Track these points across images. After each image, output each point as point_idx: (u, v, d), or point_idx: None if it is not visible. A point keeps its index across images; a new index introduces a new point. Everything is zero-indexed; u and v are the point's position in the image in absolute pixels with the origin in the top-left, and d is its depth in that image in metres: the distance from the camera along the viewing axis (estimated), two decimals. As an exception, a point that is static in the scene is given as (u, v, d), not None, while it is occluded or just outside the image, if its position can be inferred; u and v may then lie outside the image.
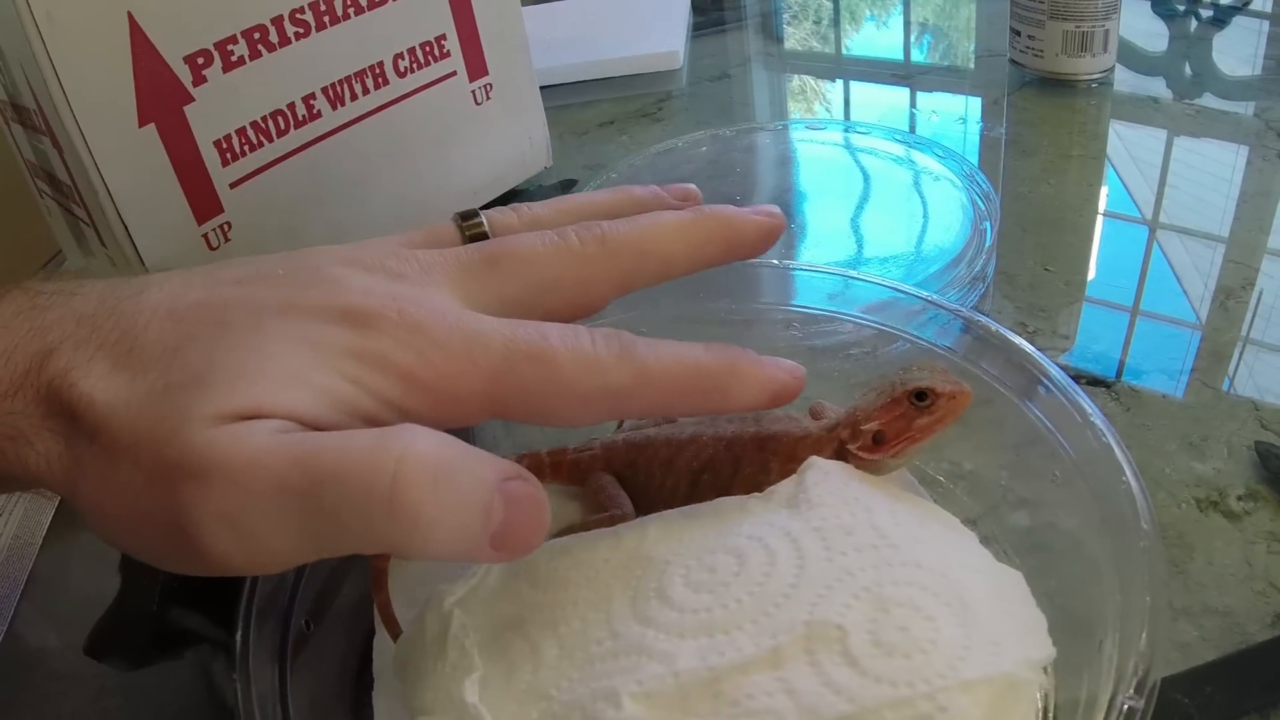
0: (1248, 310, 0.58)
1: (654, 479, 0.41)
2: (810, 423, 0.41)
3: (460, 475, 0.28)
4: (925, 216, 0.67)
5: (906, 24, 1.07)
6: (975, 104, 0.86)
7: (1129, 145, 0.77)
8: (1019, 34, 0.85)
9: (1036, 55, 0.84)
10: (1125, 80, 0.86)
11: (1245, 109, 0.80)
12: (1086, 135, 0.79)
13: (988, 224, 0.61)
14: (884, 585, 0.30)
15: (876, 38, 1.06)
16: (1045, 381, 0.41)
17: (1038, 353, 0.42)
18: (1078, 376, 0.54)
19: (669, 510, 0.37)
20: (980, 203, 0.63)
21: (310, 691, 0.38)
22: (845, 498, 0.34)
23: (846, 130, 0.77)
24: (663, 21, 1.01)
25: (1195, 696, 0.38)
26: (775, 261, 0.53)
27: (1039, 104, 0.83)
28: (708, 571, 0.32)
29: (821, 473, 0.36)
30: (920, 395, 0.38)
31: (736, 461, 0.40)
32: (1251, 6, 0.96)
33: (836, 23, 1.08)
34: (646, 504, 0.40)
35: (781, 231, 0.42)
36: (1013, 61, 0.87)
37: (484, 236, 0.40)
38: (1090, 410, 0.39)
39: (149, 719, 0.33)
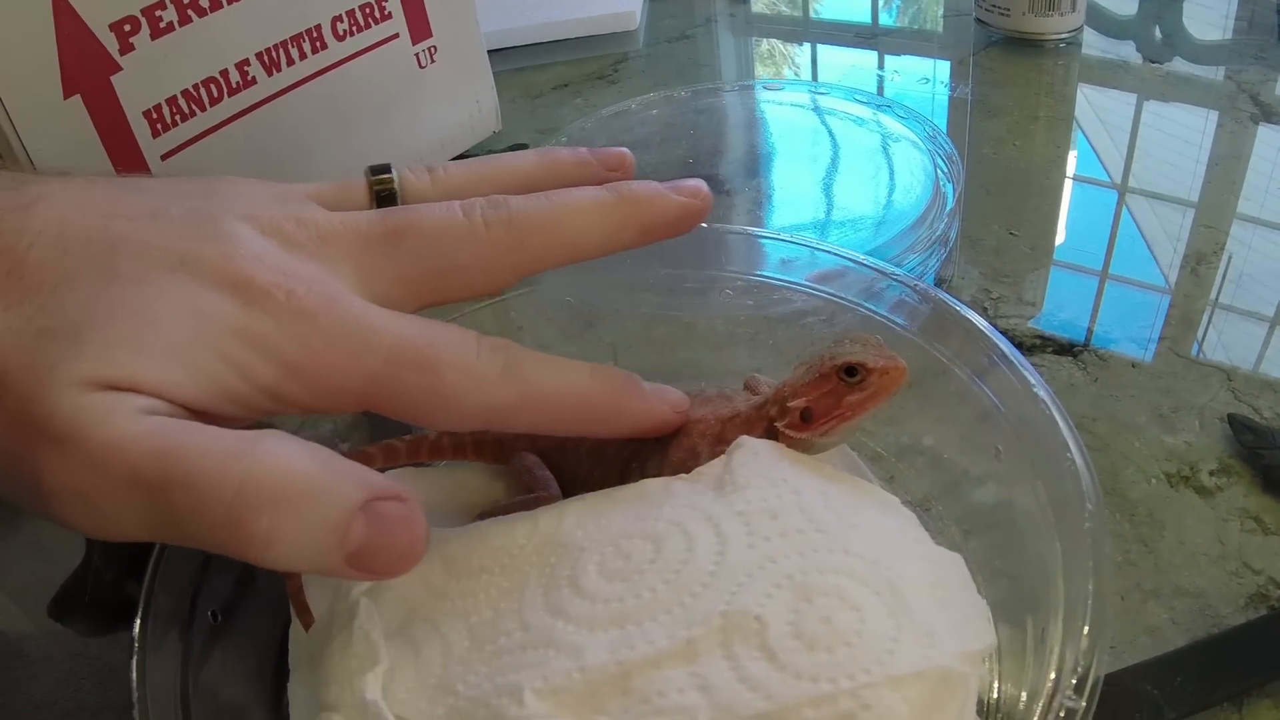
0: (1217, 275, 0.56)
1: (582, 466, 0.40)
2: (740, 401, 0.39)
3: (308, 496, 0.28)
4: (889, 179, 0.65)
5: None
6: (943, 66, 0.84)
7: (1098, 109, 0.75)
8: (986, -9, 0.83)
9: (1003, 14, 0.82)
10: (1094, 43, 0.84)
11: (1215, 73, 0.79)
12: (1054, 97, 0.77)
13: (949, 186, 0.58)
14: (808, 573, 0.28)
15: (845, 1, 1.04)
16: (994, 355, 0.39)
17: (989, 326, 0.40)
18: (1044, 344, 0.52)
19: (591, 493, 0.35)
20: (943, 165, 0.61)
21: (223, 684, 0.36)
22: (773, 479, 0.32)
23: (808, 91, 0.75)
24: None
25: (1164, 686, 0.36)
26: (731, 227, 0.51)
27: (1005, 64, 0.81)
28: (623, 558, 0.30)
29: (750, 453, 0.34)
30: (850, 370, 0.35)
31: (664, 448, 0.38)
32: None
33: None
34: (574, 492, 0.38)
35: (707, 211, 0.40)
36: (979, 21, 0.85)
37: (392, 196, 0.38)
38: (1035, 384, 0.37)
39: (120, 700, 0.32)
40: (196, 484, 0.27)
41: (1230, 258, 0.57)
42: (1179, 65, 0.80)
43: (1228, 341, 0.51)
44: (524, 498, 0.39)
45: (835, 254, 0.45)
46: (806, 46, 0.93)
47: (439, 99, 0.69)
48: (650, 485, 0.34)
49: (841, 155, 0.68)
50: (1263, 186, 0.63)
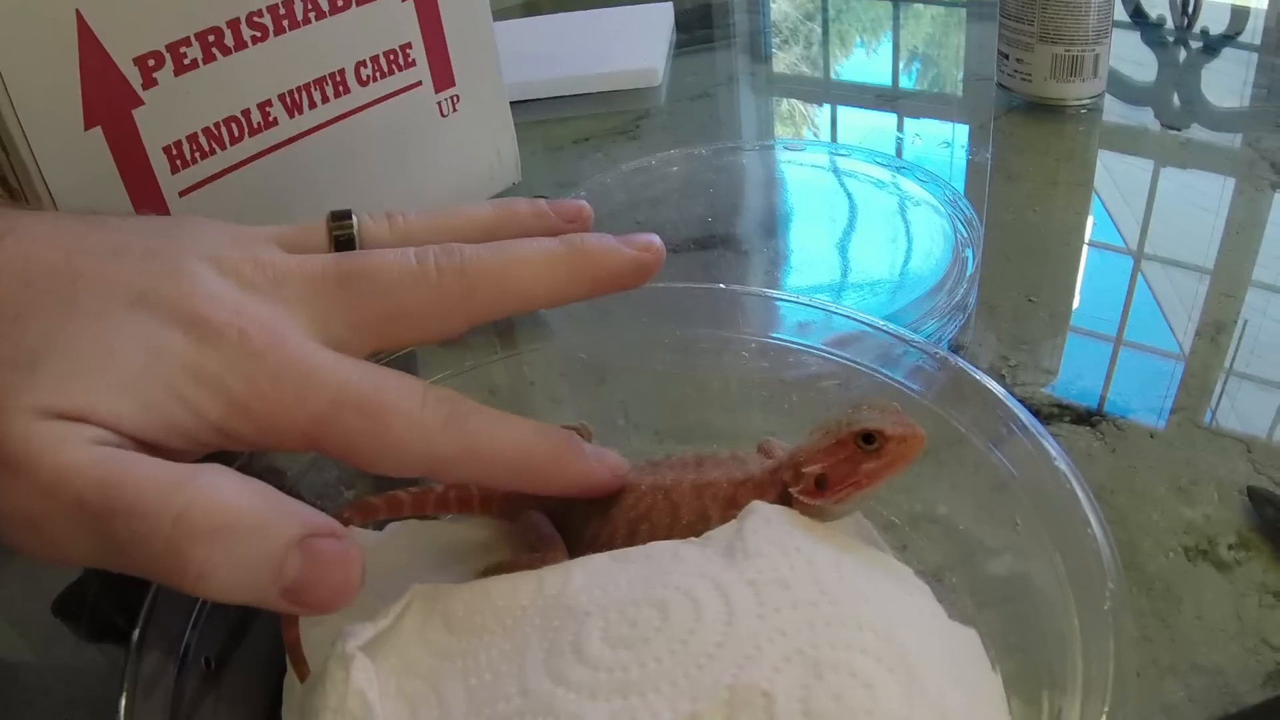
0: (1235, 344, 0.55)
1: (589, 526, 0.39)
2: (754, 465, 0.38)
3: (244, 530, 0.28)
4: (907, 242, 0.64)
5: (895, 50, 1.05)
6: (962, 130, 0.84)
7: (1115, 175, 0.74)
8: (1007, 57, 0.83)
9: (1025, 79, 0.82)
10: (1113, 109, 0.84)
11: (1233, 140, 0.78)
12: (1075, 162, 0.77)
13: (969, 251, 0.58)
14: (819, 647, 0.27)
15: (865, 64, 1.04)
16: (1012, 424, 0.38)
17: (1008, 394, 0.39)
18: (1062, 413, 0.51)
19: (598, 554, 0.35)
20: (963, 229, 0.61)
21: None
22: (785, 547, 0.31)
23: (828, 152, 0.75)
24: (644, 37, 0.99)
25: (1181, 764, 0.35)
26: (748, 289, 0.51)
27: (1026, 129, 0.81)
28: (628, 625, 0.30)
29: (762, 519, 0.33)
30: (867, 438, 0.35)
31: (675, 510, 0.37)
32: (1240, 38, 0.94)
33: (825, 45, 1.06)
34: (581, 551, 0.38)
35: (658, 266, 0.40)
36: (1000, 85, 0.85)
37: (351, 241, 0.39)
38: (1055, 455, 0.36)
39: None
40: (137, 514, 0.28)
41: (1245, 324, 0.56)
42: (1197, 132, 0.80)
43: (1246, 410, 0.50)
44: (529, 556, 0.38)
45: (852, 318, 0.45)
46: (826, 107, 0.93)
47: (459, 148, 0.69)
48: (658, 549, 0.34)
49: (860, 217, 0.68)
50: (1278, 254, 0.62)
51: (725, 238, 0.67)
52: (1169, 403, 0.51)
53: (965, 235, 0.60)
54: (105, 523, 0.28)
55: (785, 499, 0.36)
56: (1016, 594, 0.39)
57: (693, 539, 0.34)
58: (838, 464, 0.35)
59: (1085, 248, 0.66)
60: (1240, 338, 0.56)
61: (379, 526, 0.42)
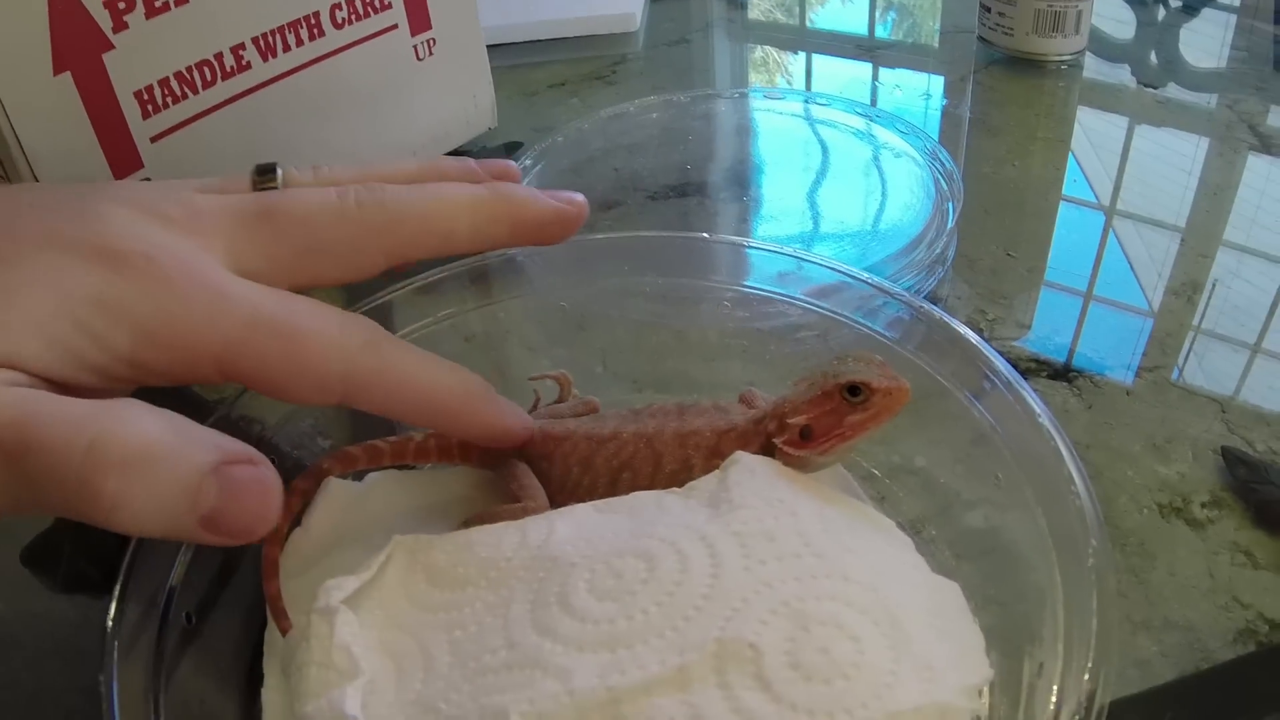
0: (1204, 304, 0.55)
1: (571, 475, 0.38)
2: (737, 414, 0.38)
3: (156, 459, 0.28)
4: (885, 194, 0.64)
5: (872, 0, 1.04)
6: (939, 81, 0.83)
7: (1090, 132, 0.74)
8: (989, 10, 0.82)
9: (1006, 33, 0.81)
10: (1091, 66, 0.83)
11: (1210, 100, 0.78)
12: (1054, 118, 0.76)
13: (950, 205, 0.58)
14: (805, 600, 0.27)
15: (841, 12, 1.03)
16: (994, 378, 0.38)
17: (989, 348, 0.39)
18: (1039, 368, 0.51)
19: (581, 504, 0.34)
20: (943, 182, 0.60)
21: (195, 687, 0.35)
22: (769, 499, 0.31)
23: (806, 101, 0.74)
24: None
25: (1153, 721, 0.35)
26: (725, 237, 0.50)
27: (1006, 84, 0.80)
28: (614, 577, 0.29)
29: (746, 470, 0.33)
30: (853, 389, 0.35)
31: (658, 459, 0.37)
32: (1220, 1, 0.94)
33: None
34: (562, 500, 0.37)
35: (580, 220, 0.40)
36: (981, 39, 0.84)
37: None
38: (1039, 411, 0.36)
39: (87, 683, 0.32)
40: (48, 449, 0.27)
41: (1215, 284, 0.57)
42: (1174, 91, 0.79)
43: (1219, 370, 0.51)
44: (510, 506, 0.37)
45: (832, 268, 0.45)
46: (801, 55, 0.92)
47: (435, 93, 0.68)
48: (642, 499, 0.34)
49: (839, 168, 0.68)
50: (1250, 215, 0.62)
51: (702, 185, 0.67)
52: (1151, 362, 0.52)
53: (946, 189, 0.59)
54: (19, 463, 0.28)
55: (768, 449, 0.36)
56: (995, 547, 0.39)
57: (675, 489, 0.34)
58: (823, 415, 0.35)
59: (1061, 204, 0.66)
60: (1209, 297, 0.56)
61: (359, 477, 0.42)
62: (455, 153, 0.71)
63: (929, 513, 0.41)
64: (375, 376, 0.34)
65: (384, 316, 0.45)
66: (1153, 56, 0.85)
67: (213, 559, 0.37)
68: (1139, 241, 0.61)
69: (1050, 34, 0.80)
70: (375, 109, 0.65)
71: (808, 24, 1.00)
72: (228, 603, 0.38)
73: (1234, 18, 0.91)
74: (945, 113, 0.78)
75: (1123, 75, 0.82)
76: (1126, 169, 0.69)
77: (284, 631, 0.35)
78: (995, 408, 0.38)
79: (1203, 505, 0.44)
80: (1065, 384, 0.50)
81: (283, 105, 0.59)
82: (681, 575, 0.29)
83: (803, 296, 0.45)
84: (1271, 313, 0.55)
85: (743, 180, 0.68)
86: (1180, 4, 0.93)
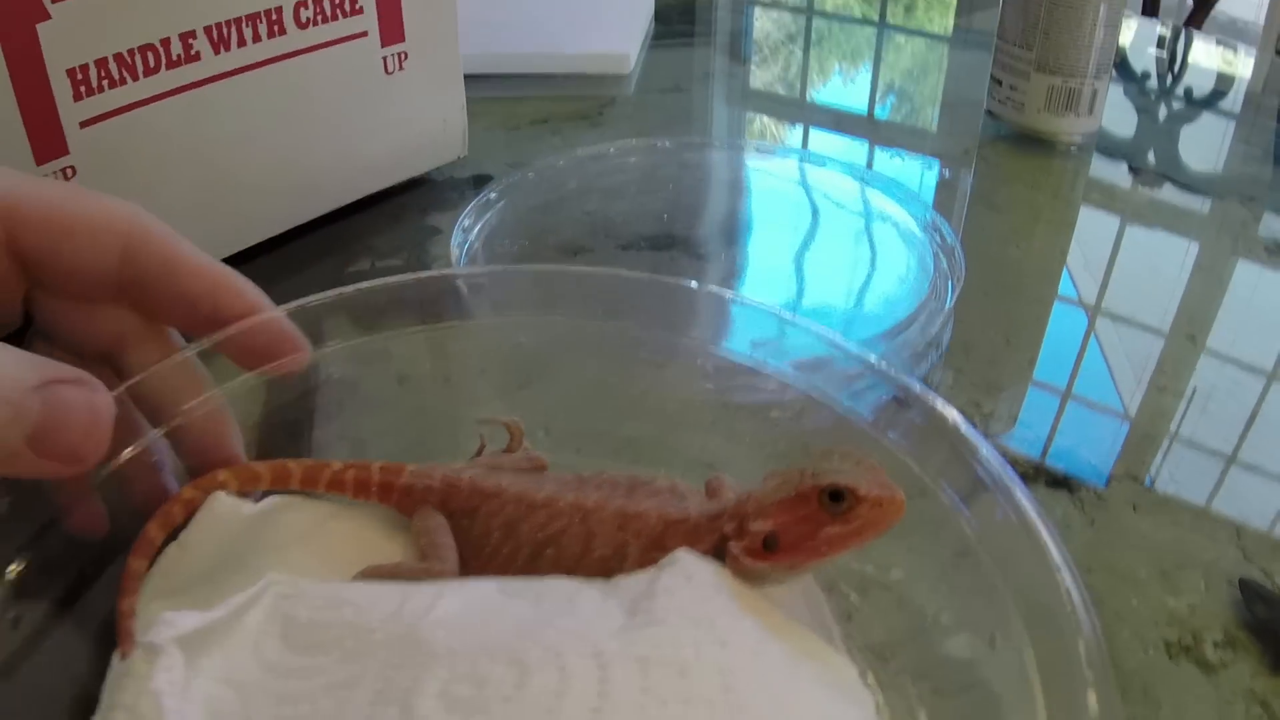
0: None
1: (491, 539, 0.33)
2: (694, 502, 0.32)
3: None
4: (876, 266, 0.58)
5: (874, 79, 0.99)
6: (936, 163, 0.78)
7: (1081, 226, 0.69)
8: (1000, 83, 0.77)
9: (1016, 108, 0.76)
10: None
11: (1203, 205, 0.73)
12: (1061, 201, 0.71)
13: (950, 283, 0.52)
14: None
15: (842, 91, 0.98)
16: (987, 480, 0.32)
17: (985, 443, 0.33)
18: (1036, 474, 0.45)
19: (486, 580, 0.30)
20: (942, 258, 0.54)
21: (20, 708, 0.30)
22: (698, 619, 0.25)
23: (801, 160, 0.68)
24: (620, 21, 0.91)
25: None
26: (713, 287, 0.44)
27: (1012, 161, 0.75)
28: (475, 685, 0.24)
29: (681, 575, 0.27)
30: (835, 495, 0.28)
31: (589, 539, 0.32)
32: (1221, 105, 0.89)
33: (805, 69, 0.99)
34: (477, 567, 0.33)
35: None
36: (989, 113, 0.79)
37: None
38: (1037, 522, 0.30)
39: None
40: None
41: (1194, 392, 0.51)
42: (1169, 192, 0.74)
43: (1240, 495, 0.45)
44: (412, 565, 0.32)
45: (820, 336, 0.38)
46: (799, 127, 0.86)
47: (402, 111, 0.63)
48: (554, 588, 0.28)
49: (829, 234, 0.62)
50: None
51: (681, 239, 0.61)
52: (1150, 472, 0.46)
53: (945, 264, 0.53)
54: None
55: (720, 552, 0.29)
56: (974, 682, 0.33)
57: (600, 581, 0.28)
58: (794, 523, 0.29)
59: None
60: (1188, 403, 0.50)
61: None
62: (416, 181, 0.65)
63: (899, 637, 0.35)
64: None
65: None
66: (1151, 155, 0.80)
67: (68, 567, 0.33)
68: (1148, 353, 0.55)
69: (1063, 112, 0.75)
70: (335, 122, 0.59)
71: (807, 99, 0.95)
72: (80, 613, 0.32)
73: (1233, 124, 0.87)
74: (944, 183, 0.72)
75: (1119, 171, 0.77)
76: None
77: (124, 655, 0.29)
78: (986, 515, 0.32)
79: (1215, 645, 0.38)
80: (1066, 493, 0.44)
81: (233, 105, 0.54)
82: (555, 701, 0.23)
83: (781, 367, 0.39)
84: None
85: (723, 237, 0.62)
86: (1182, 104, 0.88)
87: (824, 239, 0.61)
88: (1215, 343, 0.56)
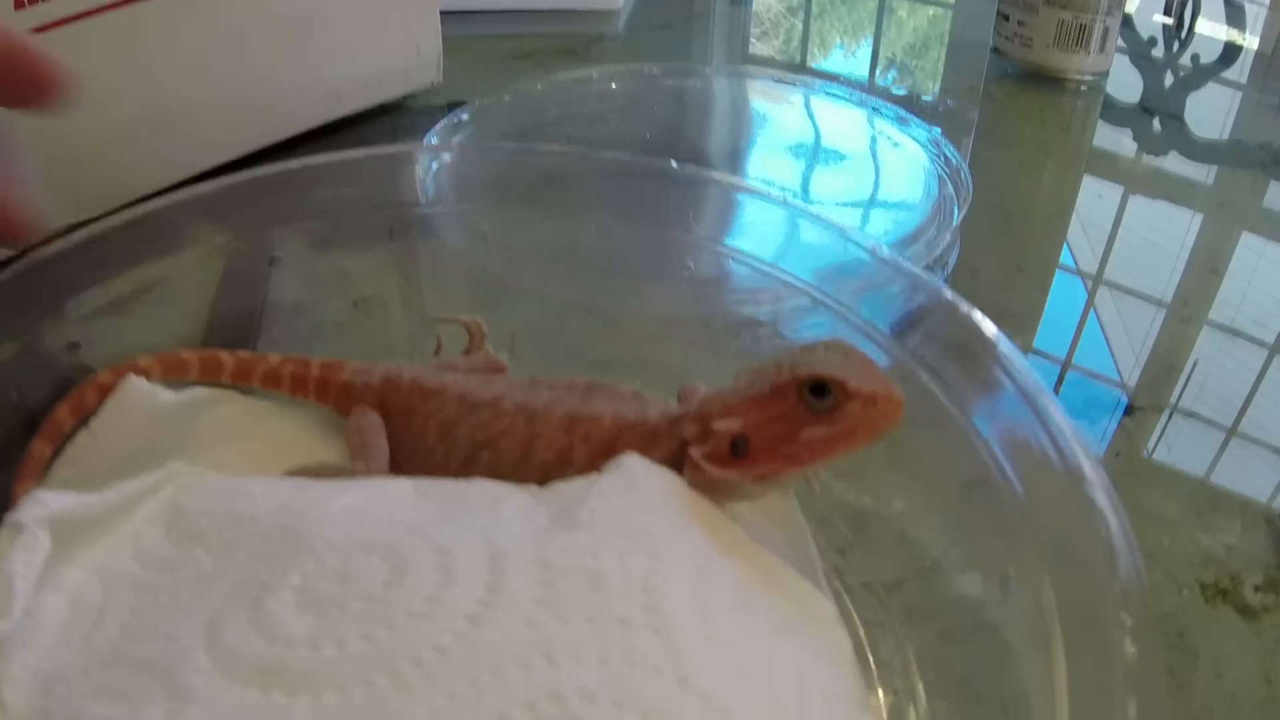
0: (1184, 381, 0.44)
1: (426, 441, 0.30)
2: (656, 408, 0.27)
3: None
4: (879, 185, 0.53)
5: (875, 55, 0.93)
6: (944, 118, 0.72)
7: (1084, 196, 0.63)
8: (1007, 19, 0.72)
9: (1024, 45, 0.71)
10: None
11: (1208, 174, 0.68)
12: (1072, 136, 0.66)
13: (956, 203, 0.47)
14: (599, 701, 0.17)
15: (842, 64, 0.92)
16: (1017, 396, 0.27)
17: (1023, 363, 0.28)
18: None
19: (404, 479, 0.26)
20: (948, 178, 0.49)
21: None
22: (632, 529, 0.20)
23: (797, 84, 0.63)
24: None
25: None
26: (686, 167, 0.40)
27: (1019, 99, 0.70)
28: (337, 580, 0.20)
29: (623, 479, 0.22)
30: (818, 388, 0.24)
31: (531, 441, 0.27)
32: (1226, 75, 0.84)
33: (805, 42, 0.93)
34: (409, 471, 0.29)
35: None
36: (995, 50, 0.74)
37: None
38: (1071, 445, 0.25)
39: None
40: None
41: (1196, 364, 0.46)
42: (1174, 161, 0.68)
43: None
44: (337, 465, 0.30)
45: (819, 219, 0.34)
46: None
47: (372, 32, 0.58)
48: (480, 490, 0.24)
49: (830, 158, 0.57)
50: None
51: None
52: (1196, 405, 0.41)
53: (950, 184, 0.48)
54: None
55: (678, 462, 0.24)
56: (987, 625, 0.29)
57: (533, 487, 0.24)
58: (767, 423, 0.24)
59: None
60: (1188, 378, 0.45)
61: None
62: (391, 107, 0.60)
63: (900, 575, 0.31)
64: None
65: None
66: (1155, 124, 0.74)
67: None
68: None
69: (1073, 49, 0.70)
70: (300, 40, 0.54)
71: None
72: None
73: (1240, 94, 0.81)
74: (949, 115, 0.67)
75: (1123, 140, 0.71)
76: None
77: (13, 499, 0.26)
78: (1008, 436, 0.27)
79: (1256, 588, 0.34)
80: (1087, 423, 0.39)
81: (190, 19, 0.49)
82: (425, 605, 0.18)
83: (778, 264, 0.35)
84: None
85: (712, 161, 0.57)
86: (1190, 71, 0.83)
87: (823, 162, 0.56)
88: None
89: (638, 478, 0.23)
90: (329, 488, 0.25)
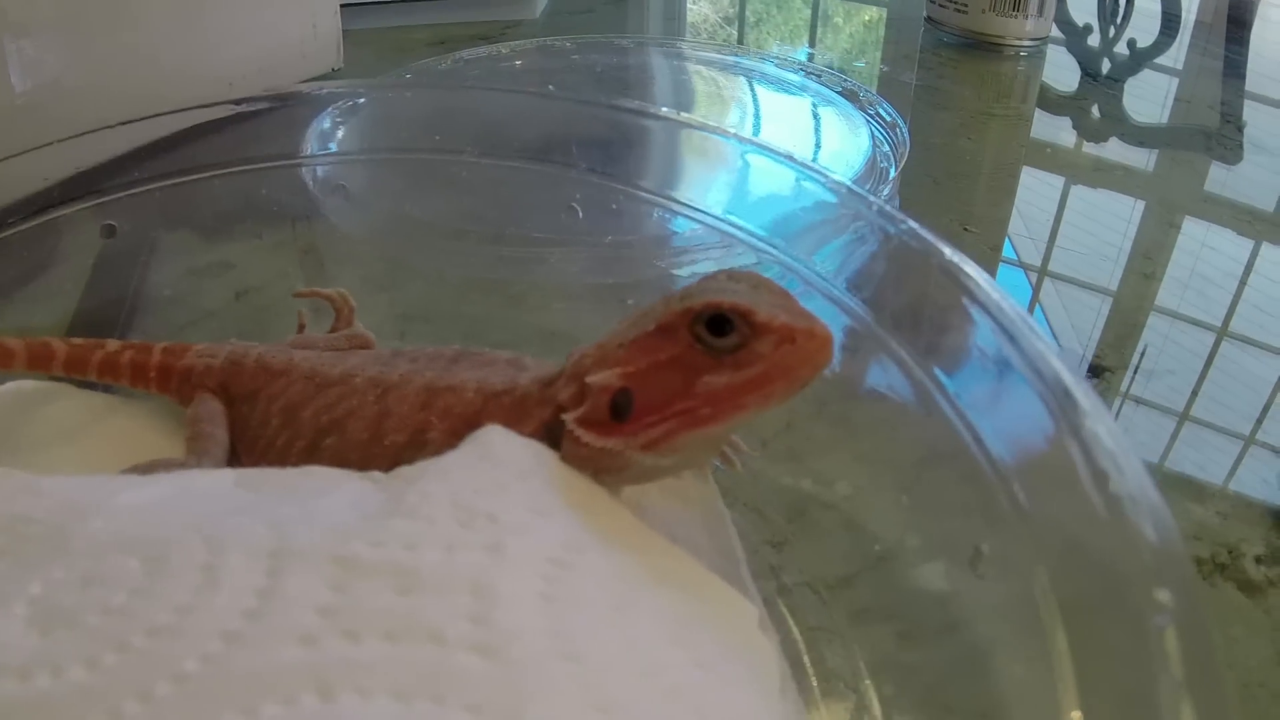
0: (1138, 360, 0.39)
1: (269, 427, 0.25)
2: (532, 374, 0.21)
3: None
4: (810, 143, 0.47)
5: (813, 31, 0.88)
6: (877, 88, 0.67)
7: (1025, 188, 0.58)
8: (941, -15, 0.67)
9: (959, 10, 0.66)
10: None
11: (1148, 159, 0.63)
12: (1013, 99, 0.61)
13: (892, 160, 0.41)
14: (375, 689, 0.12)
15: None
16: (991, 336, 0.22)
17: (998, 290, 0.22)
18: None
19: (226, 471, 0.22)
20: (882, 136, 0.44)
21: None
22: (472, 513, 0.15)
23: (723, 53, 0.57)
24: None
25: None
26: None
27: (956, 67, 0.65)
28: (79, 587, 0.15)
29: (475, 455, 0.17)
30: (716, 322, 0.18)
31: (381, 419, 0.22)
32: (1160, 61, 0.79)
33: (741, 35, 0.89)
34: (251, 461, 0.25)
35: None
36: (929, 20, 0.70)
37: None
38: (1083, 397, 0.19)
39: None
40: None
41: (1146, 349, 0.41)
42: (1114, 147, 0.63)
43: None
44: (170, 461, 0.25)
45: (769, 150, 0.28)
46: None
47: (264, 11, 0.52)
48: (313, 477, 0.19)
49: (754, 120, 0.51)
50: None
51: (585, 139, 0.50)
52: (1183, 364, 0.36)
53: (886, 143, 0.43)
54: None
55: (556, 432, 0.19)
56: (958, 622, 0.23)
57: (377, 474, 0.19)
58: (654, 371, 0.18)
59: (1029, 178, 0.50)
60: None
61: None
62: (288, 96, 0.54)
63: (851, 569, 0.25)
64: None
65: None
66: (1095, 110, 0.69)
67: None
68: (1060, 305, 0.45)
69: (1010, 13, 0.65)
70: (188, 20, 0.49)
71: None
72: None
73: (1175, 81, 0.77)
74: (885, 79, 0.62)
75: (1062, 128, 0.66)
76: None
77: None
78: (980, 389, 0.22)
79: (1258, 560, 0.29)
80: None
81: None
82: (176, 619, 0.14)
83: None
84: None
85: (633, 134, 0.51)
86: (1127, 57, 0.78)
87: (749, 125, 0.51)
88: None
89: (494, 451, 0.17)
90: (131, 482, 0.19)
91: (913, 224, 0.25)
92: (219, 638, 0.13)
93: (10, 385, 0.29)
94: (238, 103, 0.34)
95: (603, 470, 0.19)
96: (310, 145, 0.36)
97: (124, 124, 0.33)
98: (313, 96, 0.36)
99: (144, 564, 0.15)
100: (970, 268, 0.23)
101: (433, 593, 0.13)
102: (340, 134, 0.38)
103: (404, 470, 0.18)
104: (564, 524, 0.15)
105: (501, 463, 0.16)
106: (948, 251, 0.23)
